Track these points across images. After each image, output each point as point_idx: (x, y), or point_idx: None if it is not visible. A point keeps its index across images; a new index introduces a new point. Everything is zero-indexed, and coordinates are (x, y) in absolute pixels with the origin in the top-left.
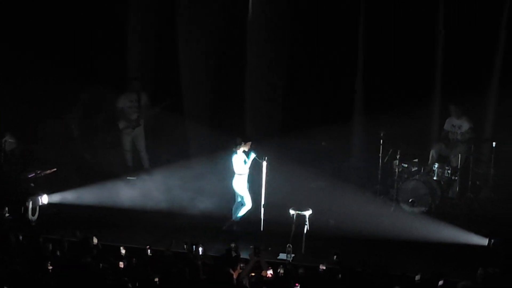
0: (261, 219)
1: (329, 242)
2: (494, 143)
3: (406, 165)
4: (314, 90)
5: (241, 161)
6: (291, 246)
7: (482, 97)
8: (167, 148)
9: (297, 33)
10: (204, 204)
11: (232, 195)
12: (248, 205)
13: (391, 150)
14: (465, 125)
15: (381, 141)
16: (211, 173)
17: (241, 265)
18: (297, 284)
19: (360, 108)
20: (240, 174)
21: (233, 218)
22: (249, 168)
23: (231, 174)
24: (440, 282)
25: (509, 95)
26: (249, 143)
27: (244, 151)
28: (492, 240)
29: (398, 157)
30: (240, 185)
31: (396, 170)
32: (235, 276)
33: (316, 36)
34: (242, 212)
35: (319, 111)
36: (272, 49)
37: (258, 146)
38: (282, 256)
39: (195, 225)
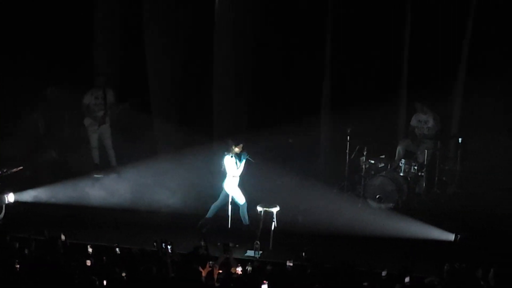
0: (228, 216)
1: (297, 238)
2: (460, 139)
3: (373, 162)
4: (281, 87)
5: (232, 163)
6: (258, 243)
7: (448, 94)
8: (134, 145)
9: (263, 29)
10: (172, 201)
11: (217, 195)
12: (242, 203)
13: (358, 146)
14: (431, 120)
15: (348, 137)
16: (179, 170)
17: (210, 262)
18: (265, 282)
19: (326, 105)
20: (232, 176)
21: (244, 222)
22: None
23: (223, 176)
24: (407, 279)
25: (474, 91)
26: (241, 145)
27: (236, 154)
28: (459, 236)
29: (365, 153)
30: (231, 187)
31: (363, 167)
32: (204, 274)
33: (282, 32)
34: (244, 213)
35: (286, 108)
36: (239, 46)
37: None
38: (250, 253)
39: (164, 222)
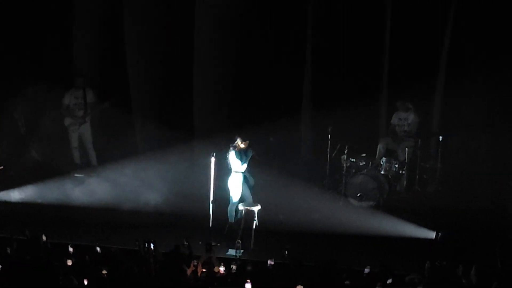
0: (210, 215)
1: (278, 237)
2: (440, 137)
3: (354, 160)
4: (262, 85)
5: (237, 159)
6: (240, 241)
7: (429, 93)
8: (115, 145)
9: (245, 27)
10: (153, 200)
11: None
12: (234, 201)
13: (339, 145)
14: (411, 117)
15: (329, 136)
16: (160, 169)
17: (195, 261)
18: (248, 281)
19: (307, 104)
20: (237, 172)
21: (229, 220)
22: (243, 165)
23: (228, 172)
24: (389, 281)
25: (454, 90)
26: (247, 141)
27: (241, 150)
28: (439, 233)
29: (346, 152)
30: (233, 182)
31: (344, 165)
32: (188, 273)
33: (264, 31)
34: (232, 211)
35: (267, 106)
36: (220, 44)
37: (207, 140)
38: (231, 252)
39: (145, 221)
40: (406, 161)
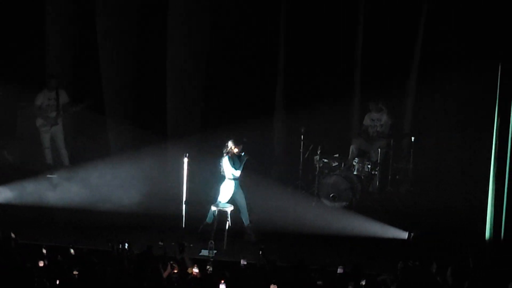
0: (182, 215)
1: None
2: (412, 138)
3: (326, 160)
4: (235, 86)
5: (231, 165)
6: (213, 242)
7: (401, 93)
8: (88, 146)
9: (217, 28)
10: (126, 201)
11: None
12: (215, 203)
13: (311, 145)
14: (384, 118)
15: (302, 136)
16: (133, 170)
17: (171, 262)
18: (222, 281)
19: (280, 104)
20: (230, 179)
21: (208, 220)
22: (237, 171)
23: (221, 178)
24: (363, 282)
25: (426, 91)
26: (241, 146)
27: (234, 155)
28: (412, 234)
29: (318, 152)
30: (225, 188)
31: (317, 166)
32: (165, 274)
33: (236, 31)
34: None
35: (240, 107)
36: (192, 45)
37: (179, 142)
38: (204, 252)
39: (119, 222)
40: (378, 161)
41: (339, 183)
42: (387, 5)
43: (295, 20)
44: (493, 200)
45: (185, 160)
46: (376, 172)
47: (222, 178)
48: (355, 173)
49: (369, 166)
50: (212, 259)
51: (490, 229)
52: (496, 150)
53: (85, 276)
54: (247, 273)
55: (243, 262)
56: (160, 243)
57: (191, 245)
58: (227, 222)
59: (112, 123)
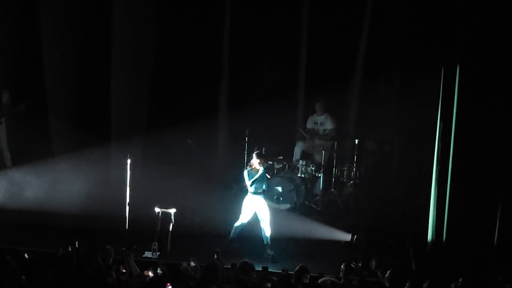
0: (126, 217)
1: (195, 239)
2: (356, 141)
3: (270, 162)
4: (179, 87)
5: (249, 179)
6: (156, 244)
7: (345, 96)
8: (30, 147)
9: (162, 29)
10: (70, 203)
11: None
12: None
13: (256, 147)
14: (328, 123)
15: (246, 138)
16: (76, 171)
17: (120, 266)
18: (168, 284)
19: (224, 106)
20: (251, 193)
21: (232, 235)
22: (255, 186)
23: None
24: (305, 280)
25: (369, 95)
26: (262, 160)
27: (254, 168)
28: (355, 235)
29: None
30: (245, 202)
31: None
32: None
33: (181, 32)
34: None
35: (184, 108)
36: (137, 45)
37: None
38: (148, 254)
39: (62, 224)
40: (322, 163)
41: (283, 185)
42: (332, 6)
43: (240, 20)
44: (436, 203)
45: (128, 161)
46: (320, 174)
47: (245, 191)
48: (299, 175)
49: (313, 168)
50: (162, 262)
51: (432, 231)
52: (438, 154)
53: (31, 280)
54: (191, 275)
55: (189, 264)
56: (107, 246)
57: (135, 247)
58: (171, 224)
59: (55, 124)
